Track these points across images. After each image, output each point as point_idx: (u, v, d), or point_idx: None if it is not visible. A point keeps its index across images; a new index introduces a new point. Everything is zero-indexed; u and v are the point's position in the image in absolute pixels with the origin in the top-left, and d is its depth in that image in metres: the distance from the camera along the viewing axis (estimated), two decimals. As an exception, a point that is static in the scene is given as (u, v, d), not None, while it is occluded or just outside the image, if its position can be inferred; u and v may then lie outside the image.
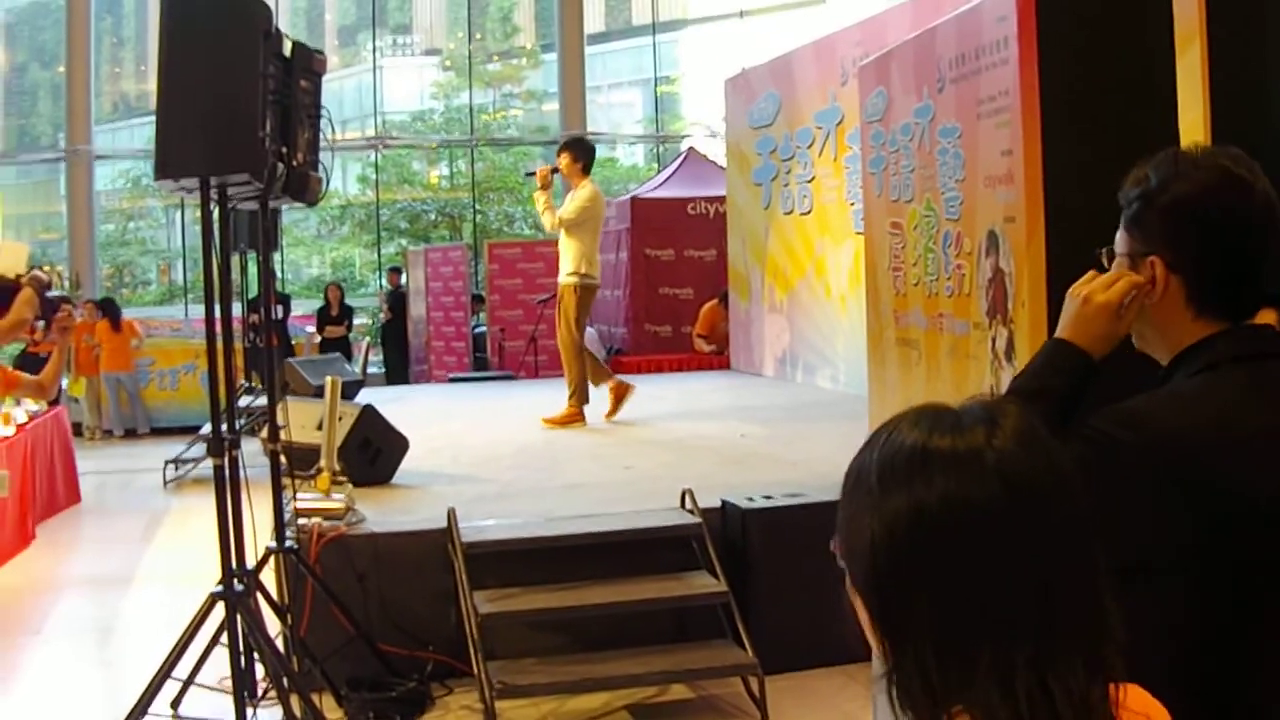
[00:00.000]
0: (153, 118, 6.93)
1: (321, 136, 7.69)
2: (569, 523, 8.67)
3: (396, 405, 12.95)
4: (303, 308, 24.42)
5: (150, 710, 6.77)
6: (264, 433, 8.07)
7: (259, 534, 7.38)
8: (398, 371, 25.14)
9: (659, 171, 26.29)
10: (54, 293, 8.77)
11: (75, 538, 14.11)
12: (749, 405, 14.94)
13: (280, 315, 21.26)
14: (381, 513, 8.92)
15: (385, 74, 32.08)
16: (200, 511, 10.44)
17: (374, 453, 10.17)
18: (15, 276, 8.49)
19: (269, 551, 7.84)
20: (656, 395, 15.72)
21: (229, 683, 7.01)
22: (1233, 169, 2.67)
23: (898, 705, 1.78)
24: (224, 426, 7.09)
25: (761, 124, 17.91)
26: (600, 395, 13.44)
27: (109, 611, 10.59)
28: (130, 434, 22.31)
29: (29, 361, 17.06)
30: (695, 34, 33.92)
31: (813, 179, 16.33)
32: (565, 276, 13.09)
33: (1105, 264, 2.80)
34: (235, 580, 6.97)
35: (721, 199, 20.39)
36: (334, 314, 24.22)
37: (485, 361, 23.56)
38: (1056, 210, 7.54)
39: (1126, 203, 2.75)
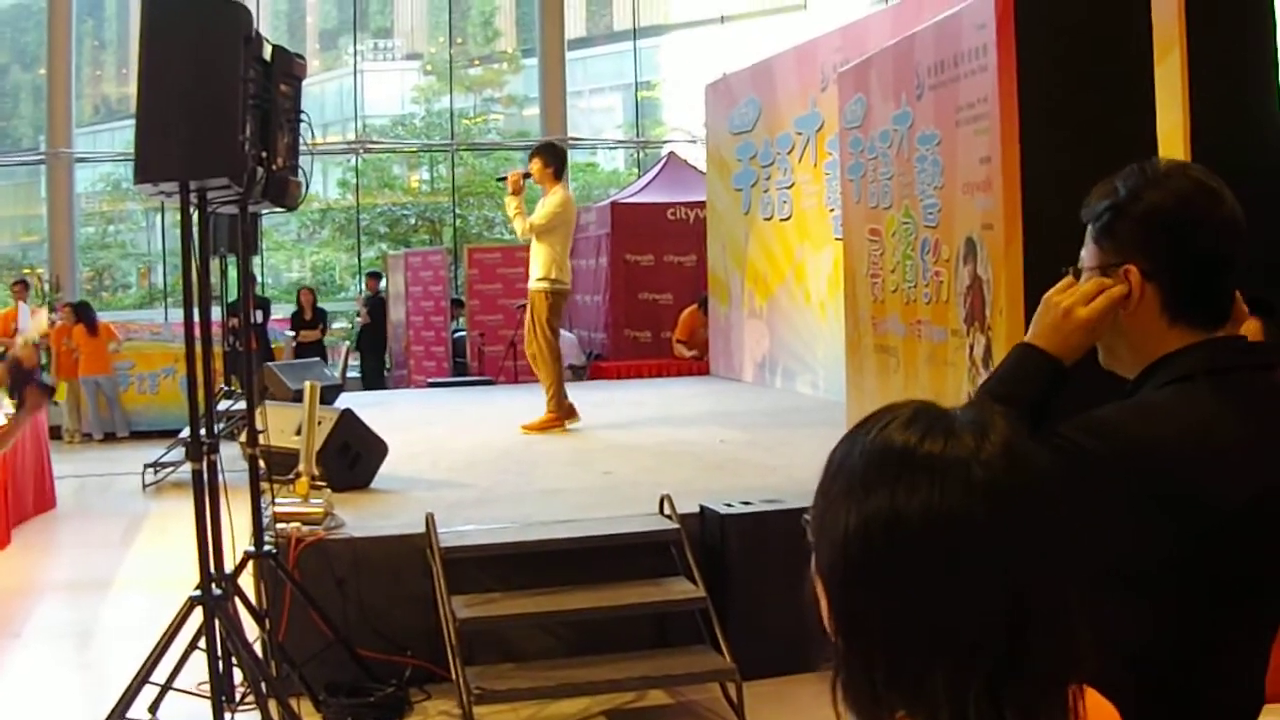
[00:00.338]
0: (133, 121, 6.93)
1: (301, 141, 7.69)
2: (548, 528, 8.68)
3: (376, 410, 12.93)
4: (282, 312, 24.37)
5: (128, 715, 6.77)
6: (243, 437, 8.05)
7: (238, 538, 7.38)
8: (374, 376, 25.09)
9: (639, 177, 26.29)
10: (46, 378, 8.80)
11: (52, 542, 14.09)
12: (728, 411, 14.93)
13: (260, 319, 21.22)
14: (360, 517, 8.92)
15: (366, 78, 32.01)
16: (179, 516, 10.41)
17: (353, 457, 10.16)
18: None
19: (247, 556, 7.82)
20: (636, 400, 15.73)
21: (207, 687, 7.01)
22: (1203, 179, 2.69)
23: (840, 699, 1.78)
24: (203, 431, 7.10)
25: (742, 129, 17.92)
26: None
27: (87, 615, 10.57)
28: (109, 438, 22.23)
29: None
30: (676, 39, 33.89)
31: (793, 185, 16.34)
32: (535, 282, 13.08)
33: (1076, 281, 2.80)
34: (213, 585, 6.96)
35: (702, 204, 20.38)
36: (307, 318, 24.16)
37: (465, 366, 23.55)
38: (1034, 217, 7.56)
39: (1095, 216, 2.75)
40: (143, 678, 6.84)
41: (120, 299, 31.73)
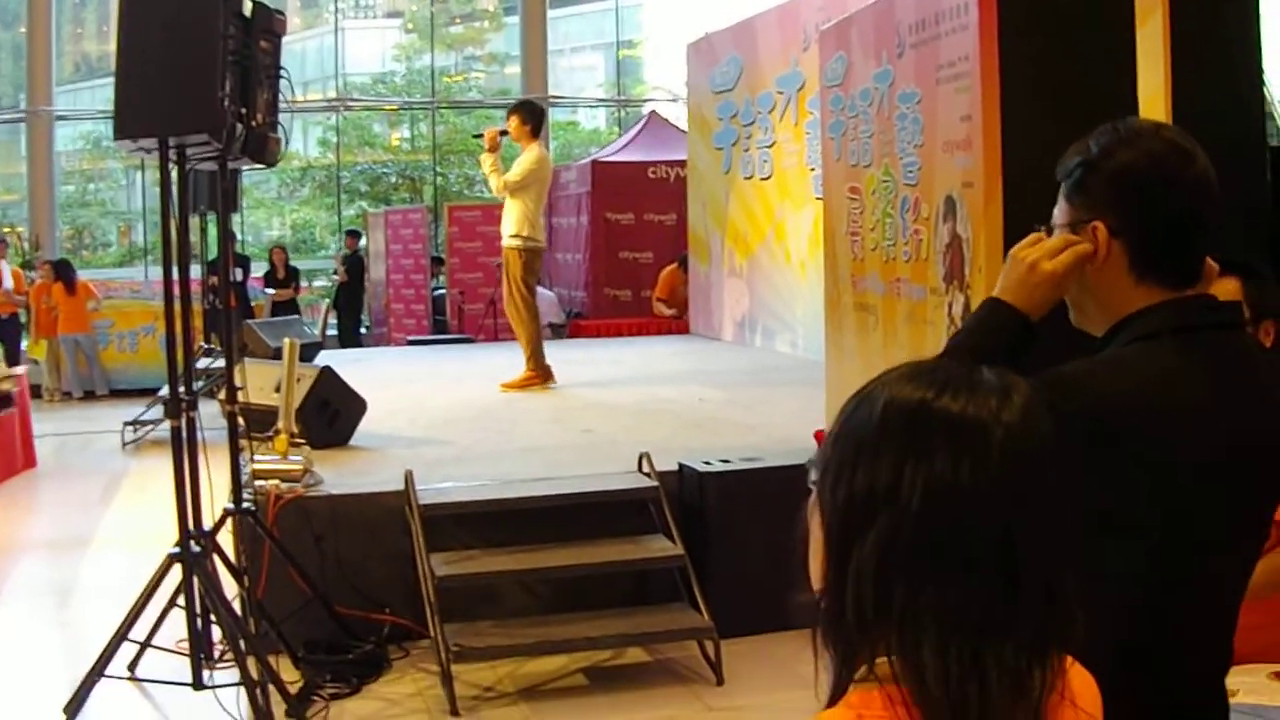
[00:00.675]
0: (113, 79, 6.91)
1: (281, 98, 7.67)
2: (527, 486, 8.69)
3: (355, 367, 12.93)
4: (262, 269, 24.30)
5: (107, 672, 6.78)
6: (222, 394, 8.06)
7: (216, 496, 7.39)
8: (349, 334, 25.04)
9: (620, 135, 26.25)
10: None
11: (33, 500, 14.09)
12: (708, 369, 14.95)
13: (240, 277, 21.17)
14: (339, 475, 8.92)
15: (347, 36, 31.88)
16: (158, 473, 10.42)
17: (332, 414, 10.15)
18: None
19: (226, 513, 7.84)
20: (616, 359, 15.74)
21: (186, 645, 7.03)
22: (1176, 139, 2.69)
23: (822, 638, 1.79)
24: (182, 388, 7.09)
25: (723, 88, 17.88)
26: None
27: (67, 573, 10.59)
28: (89, 396, 22.20)
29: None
30: (658, -3, 33.83)
31: (773, 144, 16.31)
32: (509, 239, 13.07)
33: (1044, 237, 2.81)
34: (192, 542, 6.97)
35: (682, 163, 20.31)
36: (280, 277, 24.10)
37: (445, 324, 23.53)
38: (1014, 176, 7.55)
39: (1067, 173, 2.76)
40: (121, 635, 6.85)
41: (101, 257, 31.62)
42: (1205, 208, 2.67)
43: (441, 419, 11.56)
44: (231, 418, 7.92)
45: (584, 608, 8.16)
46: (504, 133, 13.16)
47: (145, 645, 7.21)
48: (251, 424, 8.43)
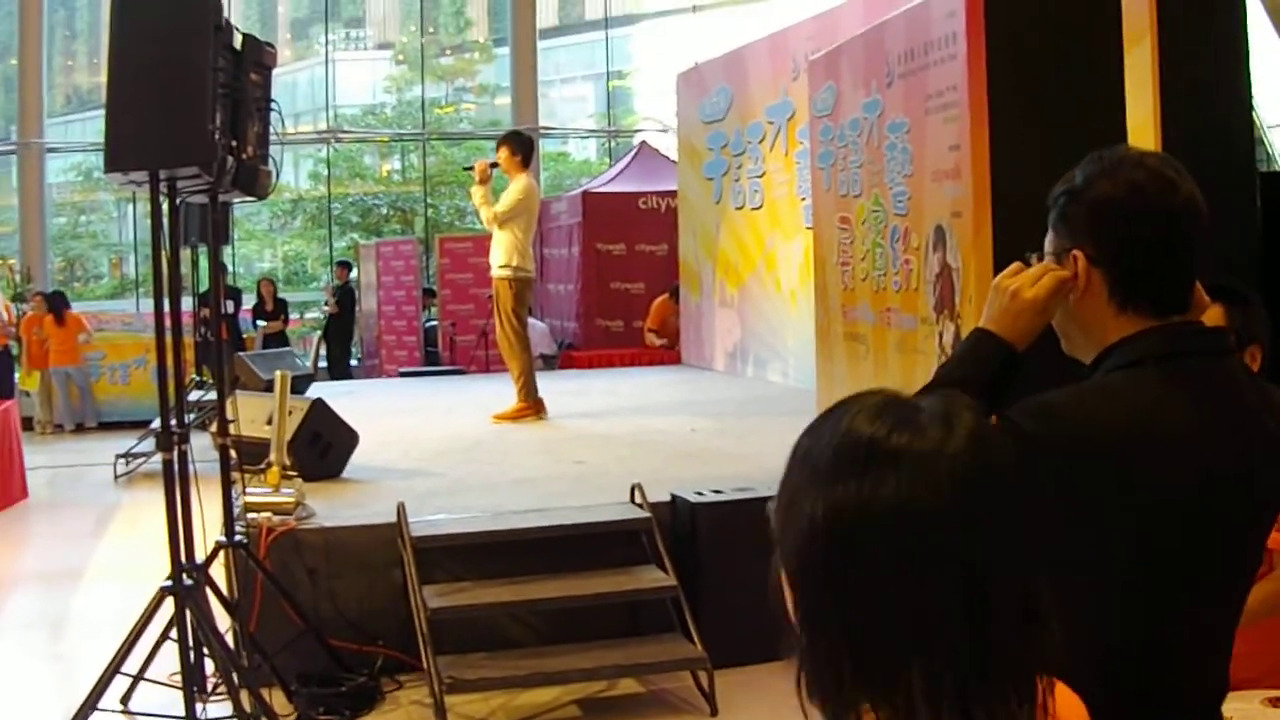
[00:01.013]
0: (104, 111, 6.93)
1: (272, 130, 7.69)
2: (519, 517, 8.68)
3: (347, 400, 12.91)
4: (253, 302, 24.32)
5: (100, 705, 6.76)
6: (214, 427, 8.05)
7: (209, 529, 7.38)
8: (339, 366, 25.03)
9: (611, 166, 26.27)
10: None
11: (25, 533, 14.05)
12: (700, 400, 14.95)
13: (231, 310, 21.17)
14: (331, 507, 8.91)
15: (338, 67, 31.94)
16: (151, 506, 10.40)
17: (324, 447, 10.14)
18: None
19: (219, 546, 7.83)
20: (608, 390, 15.74)
21: (178, 678, 7.01)
22: (1160, 168, 2.69)
23: (805, 692, 1.77)
24: (173, 421, 7.09)
25: (713, 118, 17.92)
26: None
27: (59, 606, 10.55)
28: (81, 428, 22.18)
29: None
30: (648, 28, 33.84)
31: (764, 174, 16.35)
32: (498, 270, 13.04)
33: (1031, 265, 2.82)
34: (185, 575, 6.96)
35: (673, 194, 20.35)
36: (268, 309, 24.08)
37: (436, 356, 23.54)
38: (1003, 205, 7.58)
39: (1053, 202, 2.77)
40: (114, 669, 6.83)
41: (92, 289, 31.61)
42: (1187, 235, 2.68)
43: (433, 451, 11.55)
44: (223, 450, 7.92)
45: (577, 639, 8.14)
46: (494, 164, 13.17)
47: (138, 678, 7.19)
48: (243, 457, 8.42)
